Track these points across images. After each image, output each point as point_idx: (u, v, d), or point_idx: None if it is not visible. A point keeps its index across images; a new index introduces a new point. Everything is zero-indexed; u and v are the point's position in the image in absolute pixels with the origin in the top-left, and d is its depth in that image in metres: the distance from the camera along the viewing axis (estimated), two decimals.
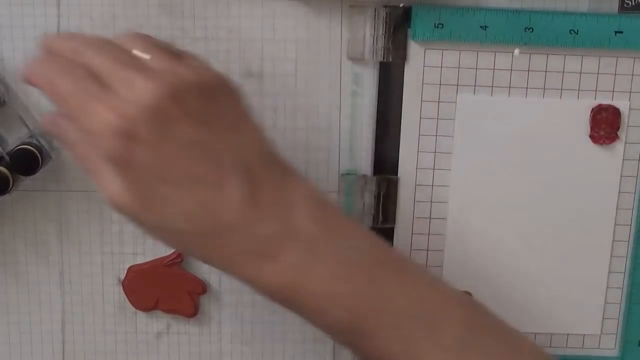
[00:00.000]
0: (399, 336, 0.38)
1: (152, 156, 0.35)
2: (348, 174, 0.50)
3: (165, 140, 0.35)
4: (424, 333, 0.38)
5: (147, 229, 0.37)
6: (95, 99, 0.35)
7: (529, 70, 0.49)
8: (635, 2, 0.48)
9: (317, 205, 0.38)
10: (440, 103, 0.49)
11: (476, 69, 0.49)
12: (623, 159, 0.50)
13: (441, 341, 0.38)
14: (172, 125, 0.35)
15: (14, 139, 0.47)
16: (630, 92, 0.49)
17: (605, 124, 0.50)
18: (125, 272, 0.51)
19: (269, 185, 0.37)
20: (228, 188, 0.36)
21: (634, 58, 0.49)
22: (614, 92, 0.49)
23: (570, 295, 0.52)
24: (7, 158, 0.46)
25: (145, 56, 0.37)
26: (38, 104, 0.47)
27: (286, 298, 0.38)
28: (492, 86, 0.49)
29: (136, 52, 0.37)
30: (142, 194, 0.36)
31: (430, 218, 0.51)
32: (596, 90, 0.49)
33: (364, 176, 0.50)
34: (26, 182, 0.48)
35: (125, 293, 0.51)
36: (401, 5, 0.47)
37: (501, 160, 0.50)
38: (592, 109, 0.49)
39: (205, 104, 0.36)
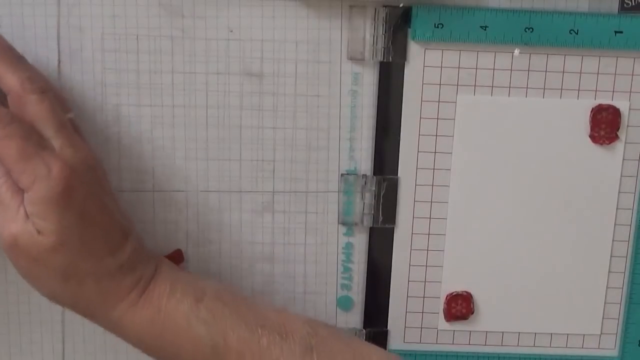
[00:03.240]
0: (252, 346, 0.42)
1: (78, 209, 0.41)
2: (348, 174, 0.50)
3: (89, 199, 0.42)
4: (276, 345, 0.43)
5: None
6: (43, 151, 0.40)
7: (529, 70, 0.49)
8: (635, 2, 0.48)
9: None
10: (440, 103, 0.49)
11: (476, 69, 0.49)
12: (623, 159, 0.50)
13: (290, 352, 0.42)
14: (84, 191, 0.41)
15: None
16: (630, 92, 0.49)
17: (605, 124, 0.50)
18: None
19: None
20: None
21: (634, 58, 0.49)
22: (614, 92, 0.49)
23: (570, 295, 0.52)
24: None
25: None
26: None
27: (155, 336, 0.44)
28: (492, 86, 0.49)
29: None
30: (61, 236, 0.41)
31: (430, 218, 0.51)
32: (596, 90, 0.49)
33: (364, 176, 0.50)
34: None
35: None
36: (401, 5, 0.47)
37: (501, 160, 0.50)
38: (592, 109, 0.49)
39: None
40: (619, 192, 0.51)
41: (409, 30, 0.48)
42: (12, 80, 0.41)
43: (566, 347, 0.53)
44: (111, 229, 0.42)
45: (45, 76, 0.44)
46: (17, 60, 0.42)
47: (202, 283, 0.45)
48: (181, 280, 0.44)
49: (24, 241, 0.40)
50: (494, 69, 0.49)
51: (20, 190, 0.40)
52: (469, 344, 0.53)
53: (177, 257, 0.50)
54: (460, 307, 0.52)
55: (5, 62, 0.41)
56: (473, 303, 0.52)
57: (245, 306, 0.44)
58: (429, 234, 0.51)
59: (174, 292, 0.43)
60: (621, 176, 0.51)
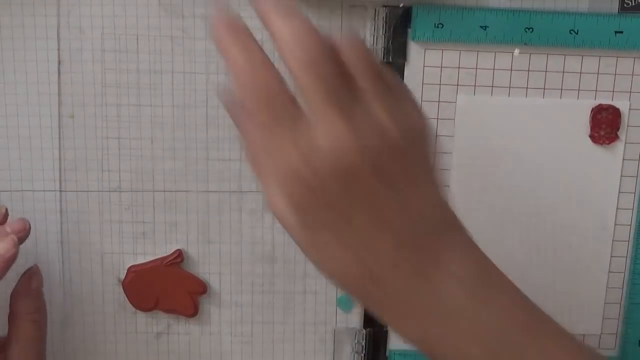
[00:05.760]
0: None
1: (324, 208, 0.34)
2: None
3: (341, 197, 0.34)
4: None
5: (302, 248, 0.37)
6: (288, 134, 0.33)
7: (529, 70, 0.49)
8: (635, 2, 0.48)
9: (468, 272, 0.37)
10: (440, 103, 0.49)
11: (476, 69, 0.49)
12: (623, 159, 0.50)
13: None
14: (356, 186, 0.34)
15: None
16: (630, 92, 0.49)
17: (605, 124, 0.50)
18: (125, 272, 0.51)
19: (424, 249, 0.36)
20: (383, 248, 0.35)
21: (634, 58, 0.49)
22: (614, 92, 0.49)
23: (570, 295, 0.52)
24: None
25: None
26: None
27: (421, 350, 0.37)
28: (492, 86, 0.49)
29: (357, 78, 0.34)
30: (306, 231, 0.35)
31: None
32: (596, 90, 0.49)
33: None
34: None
35: (125, 293, 0.51)
36: (401, 5, 0.47)
37: (501, 160, 0.50)
38: (592, 109, 0.49)
39: (397, 164, 0.34)
40: (619, 192, 0.51)
41: (409, 30, 0.48)
42: None
43: None
44: None
45: None
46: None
47: None
48: None
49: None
50: (494, 69, 0.49)
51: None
52: None
53: (177, 257, 0.50)
54: None
55: None
56: None
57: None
58: None
59: None
60: (621, 176, 0.51)
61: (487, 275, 0.38)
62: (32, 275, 0.48)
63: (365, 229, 0.35)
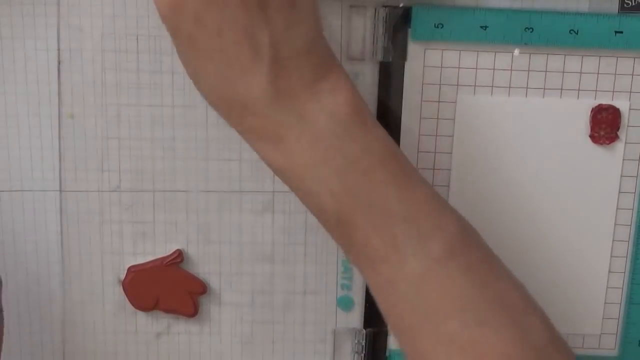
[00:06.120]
0: (384, 236, 0.39)
1: (195, 29, 0.37)
2: None
3: (212, 18, 0.37)
4: (414, 240, 0.39)
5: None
6: None
7: (529, 70, 0.49)
8: (635, 2, 0.48)
9: (340, 102, 0.39)
10: (440, 103, 0.49)
11: (476, 69, 0.49)
12: (623, 159, 0.50)
13: (428, 250, 0.39)
14: (226, 7, 0.36)
15: None
16: (630, 92, 0.49)
17: (605, 124, 0.50)
18: (125, 272, 0.51)
19: (297, 75, 0.39)
20: (256, 73, 0.38)
21: (634, 58, 0.49)
22: (614, 92, 0.49)
23: (571, 296, 0.52)
24: None
25: None
26: None
27: (285, 179, 0.40)
28: (492, 86, 0.49)
29: None
30: (183, 49, 0.38)
31: None
32: (596, 90, 0.49)
33: None
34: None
35: (125, 293, 0.51)
36: (401, 5, 0.47)
37: (501, 160, 0.50)
38: (592, 109, 0.49)
39: None
40: (619, 192, 0.51)
41: (409, 30, 0.48)
42: None
43: None
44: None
45: None
46: None
47: None
48: None
49: None
50: (494, 69, 0.49)
51: None
52: None
53: (177, 257, 0.50)
54: None
55: None
56: None
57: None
58: None
59: None
60: (621, 176, 0.51)
61: (357, 109, 0.40)
62: None
63: (234, 55, 0.37)
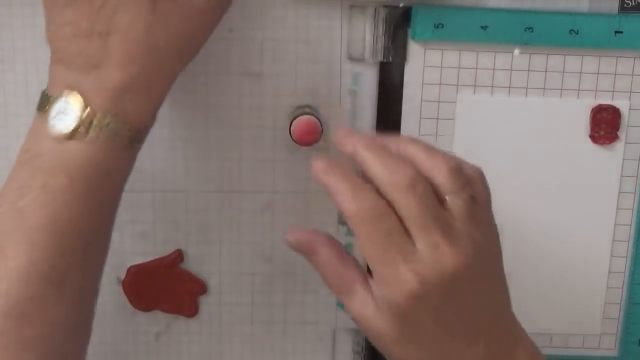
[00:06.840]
0: None
1: (430, 316, 0.37)
2: None
3: (446, 304, 0.37)
4: None
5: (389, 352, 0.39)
6: (402, 258, 0.36)
7: (529, 70, 0.49)
8: (635, 2, 0.48)
9: None
10: (440, 103, 0.49)
11: (476, 69, 0.49)
12: (623, 159, 0.50)
13: None
14: (460, 292, 0.37)
15: None
16: (630, 92, 0.49)
17: (605, 124, 0.50)
18: (125, 272, 0.51)
19: (495, 345, 0.39)
20: (471, 349, 0.38)
21: (634, 58, 0.49)
22: (614, 92, 0.49)
23: (571, 295, 0.52)
24: None
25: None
26: None
27: None
28: (492, 86, 0.49)
29: (447, 197, 0.38)
30: (403, 335, 0.37)
31: None
32: (596, 90, 0.49)
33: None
34: None
35: (125, 293, 0.51)
36: (401, 5, 0.47)
37: (501, 160, 0.50)
38: (592, 109, 0.49)
39: (486, 266, 0.38)
40: (619, 192, 0.51)
41: (409, 30, 0.48)
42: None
43: (566, 347, 0.53)
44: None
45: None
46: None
47: None
48: None
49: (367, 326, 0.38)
50: (494, 69, 0.49)
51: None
52: None
53: (177, 257, 0.50)
54: None
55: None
56: None
57: None
58: None
59: None
60: (621, 176, 0.51)
61: None
62: None
63: (456, 333, 0.38)
